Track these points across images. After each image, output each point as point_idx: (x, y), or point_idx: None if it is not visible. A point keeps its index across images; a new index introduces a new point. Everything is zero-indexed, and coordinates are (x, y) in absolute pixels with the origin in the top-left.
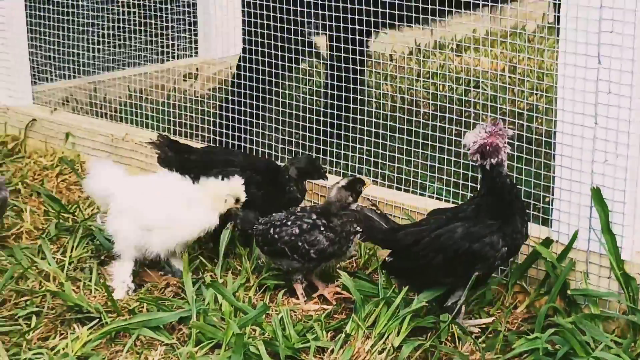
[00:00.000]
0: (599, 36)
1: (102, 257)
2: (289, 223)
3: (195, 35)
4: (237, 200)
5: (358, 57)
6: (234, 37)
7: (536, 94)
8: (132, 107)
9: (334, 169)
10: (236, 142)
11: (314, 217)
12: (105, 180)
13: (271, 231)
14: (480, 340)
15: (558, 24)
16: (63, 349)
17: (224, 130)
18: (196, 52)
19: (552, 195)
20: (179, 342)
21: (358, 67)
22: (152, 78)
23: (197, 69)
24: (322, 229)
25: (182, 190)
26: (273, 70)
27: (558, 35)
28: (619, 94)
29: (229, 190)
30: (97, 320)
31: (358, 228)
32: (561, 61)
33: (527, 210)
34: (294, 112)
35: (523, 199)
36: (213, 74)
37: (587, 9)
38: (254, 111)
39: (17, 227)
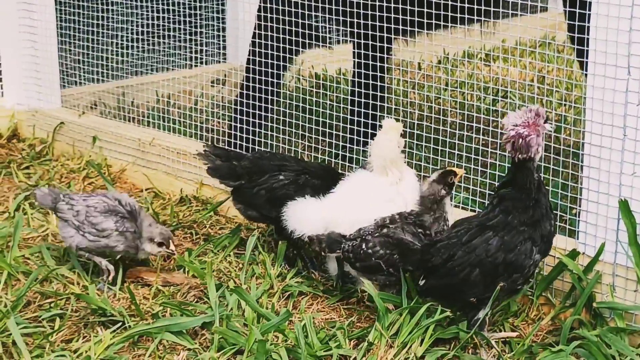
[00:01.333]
0: (629, 47)
1: (127, 261)
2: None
3: (224, 41)
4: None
5: (385, 65)
6: None
7: (565, 105)
8: (160, 112)
9: None
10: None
11: (409, 229)
12: None
13: (363, 246)
14: (502, 350)
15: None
16: (86, 351)
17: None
18: (224, 58)
19: (579, 207)
20: (201, 347)
21: (385, 75)
22: (180, 83)
23: (225, 75)
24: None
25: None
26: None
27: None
28: None
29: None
30: (120, 323)
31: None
32: (590, 72)
33: (555, 221)
34: (320, 118)
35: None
36: (241, 80)
37: (617, 19)
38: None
39: (43, 229)
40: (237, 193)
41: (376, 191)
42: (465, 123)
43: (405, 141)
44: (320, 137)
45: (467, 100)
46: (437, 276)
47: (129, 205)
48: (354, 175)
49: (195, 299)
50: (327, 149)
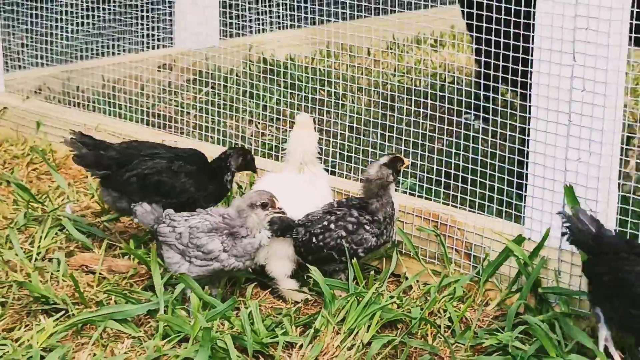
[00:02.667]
0: (574, 33)
1: (72, 248)
2: (332, 226)
3: (172, 25)
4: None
5: None
6: (210, 29)
7: (512, 91)
8: (106, 97)
9: None
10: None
11: (356, 214)
12: None
13: (314, 240)
14: (447, 335)
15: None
16: (28, 340)
17: None
18: (172, 43)
19: (525, 192)
20: (146, 335)
21: None
22: (127, 68)
23: (173, 60)
24: (367, 227)
25: None
26: None
27: None
28: (593, 92)
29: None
30: (64, 312)
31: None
32: (536, 58)
33: (500, 208)
34: (268, 104)
35: (496, 196)
36: (189, 65)
37: (562, 5)
38: None
39: None
40: (106, 182)
41: (293, 190)
42: (413, 109)
43: (353, 127)
44: (267, 123)
45: (416, 85)
46: None
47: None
48: (266, 177)
49: (141, 287)
50: (274, 134)
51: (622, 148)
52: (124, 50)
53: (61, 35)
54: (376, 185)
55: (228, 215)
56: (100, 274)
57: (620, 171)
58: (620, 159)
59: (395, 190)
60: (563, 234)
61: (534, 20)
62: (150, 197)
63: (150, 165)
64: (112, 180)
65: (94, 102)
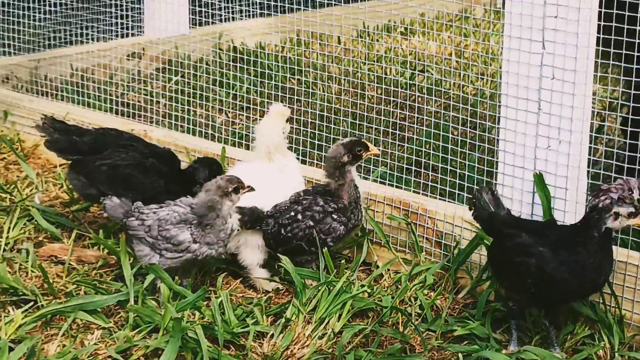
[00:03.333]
0: (543, 21)
1: (40, 239)
2: (300, 216)
3: (142, 13)
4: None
5: None
6: (180, 17)
7: (483, 79)
8: (75, 86)
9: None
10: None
11: (322, 202)
12: None
13: (282, 231)
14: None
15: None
16: None
17: None
18: (141, 31)
19: (496, 180)
20: (116, 326)
21: None
22: (95, 56)
23: (143, 49)
24: (334, 215)
25: None
26: None
27: None
28: (562, 80)
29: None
30: (33, 303)
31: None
32: (506, 45)
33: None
34: (238, 92)
35: (468, 184)
36: (158, 53)
37: None
38: None
39: None
40: (77, 166)
41: (264, 179)
42: (383, 97)
43: (324, 115)
44: (237, 111)
45: (386, 74)
46: None
47: None
48: (237, 166)
49: (110, 277)
50: (244, 123)
51: (591, 136)
52: (92, 39)
53: (29, 23)
54: (329, 163)
55: (196, 205)
56: (69, 264)
57: (589, 159)
58: (590, 147)
59: (366, 179)
60: (469, 208)
61: None
62: (116, 189)
63: (123, 157)
64: (82, 166)
65: (62, 91)
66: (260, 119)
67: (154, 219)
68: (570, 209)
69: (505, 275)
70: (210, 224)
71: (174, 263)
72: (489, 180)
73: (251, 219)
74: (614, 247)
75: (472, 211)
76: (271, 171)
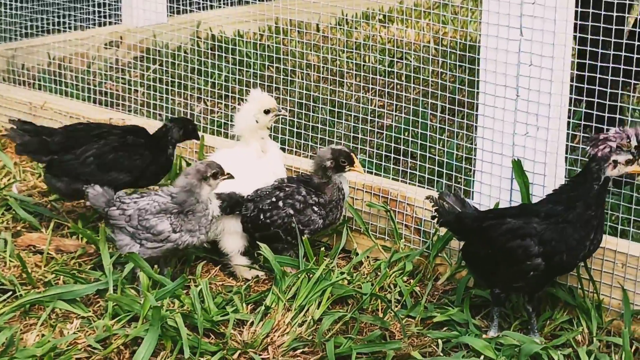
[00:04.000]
0: (521, 7)
1: (19, 228)
2: (280, 203)
3: (119, 2)
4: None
5: None
6: (158, 5)
7: (461, 66)
8: (52, 75)
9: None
10: None
11: (304, 192)
12: None
13: (261, 216)
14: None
15: None
16: None
17: None
18: (119, 20)
19: (474, 167)
20: (95, 315)
21: None
22: (73, 45)
23: (120, 37)
24: (315, 208)
25: None
26: None
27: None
28: (540, 66)
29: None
30: (11, 292)
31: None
32: (484, 32)
33: (450, 183)
34: (217, 81)
35: (447, 171)
36: (136, 42)
37: None
38: None
39: None
40: (57, 168)
41: (243, 165)
42: (362, 84)
43: (303, 103)
44: (216, 100)
45: (365, 62)
46: None
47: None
48: (217, 152)
49: (89, 266)
50: (223, 111)
51: (568, 122)
52: (70, 27)
53: (5, 12)
54: (315, 161)
55: (176, 192)
56: (48, 254)
57: (567, 145)
58: (567, 133)
59: None
60: (433, 217)
61: None
62: (108, 176)
63: (103, 143)
64: (62, 166)
65: (39, 80)
66: (238, 107)
67: (135, 208)
68: None
69: (493, 269)
70: (192, 209)
71: (154, 253)
72: (467, 166)
73: (230, 204)
74: None
75: (435, 220)
76: (250, 157)
